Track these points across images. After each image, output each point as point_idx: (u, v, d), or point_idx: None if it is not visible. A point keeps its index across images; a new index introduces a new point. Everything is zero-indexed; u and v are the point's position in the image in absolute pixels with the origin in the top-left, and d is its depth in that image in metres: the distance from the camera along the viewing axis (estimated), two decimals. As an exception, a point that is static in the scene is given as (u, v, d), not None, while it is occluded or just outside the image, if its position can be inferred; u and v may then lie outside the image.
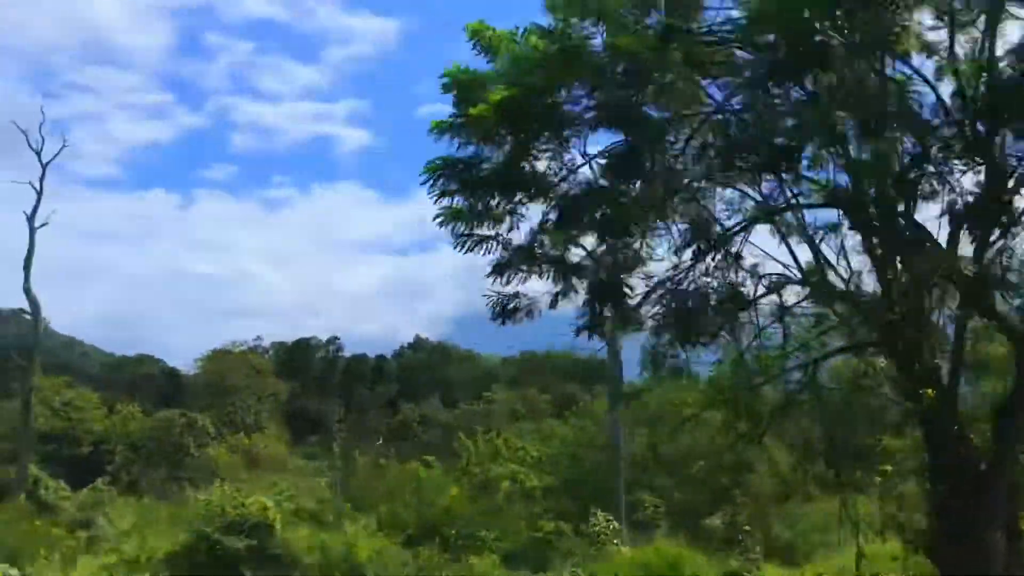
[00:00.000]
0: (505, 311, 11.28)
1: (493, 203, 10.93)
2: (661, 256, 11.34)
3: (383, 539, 14.75)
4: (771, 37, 10.02)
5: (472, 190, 10.86)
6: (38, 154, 29.76)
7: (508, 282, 11.18)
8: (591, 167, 10.92)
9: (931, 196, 10.78)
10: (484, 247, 11.13)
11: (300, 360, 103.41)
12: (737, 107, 10.71)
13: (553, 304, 11.30)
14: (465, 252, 11.04)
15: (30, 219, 29.13)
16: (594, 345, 12.12)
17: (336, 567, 13.10)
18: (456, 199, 10.86)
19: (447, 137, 10.53)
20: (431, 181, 10.74)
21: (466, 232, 11.01)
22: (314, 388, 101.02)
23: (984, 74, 10.12)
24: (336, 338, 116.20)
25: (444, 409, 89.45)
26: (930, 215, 10.86)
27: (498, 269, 11.13)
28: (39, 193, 29.46)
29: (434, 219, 10.87)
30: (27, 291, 28.07)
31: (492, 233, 11.13)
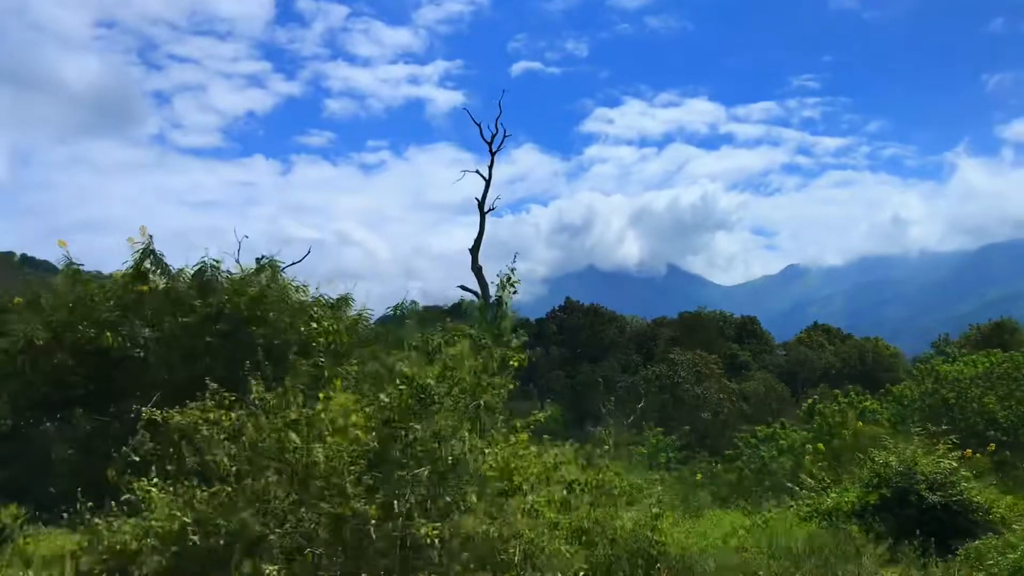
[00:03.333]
0: None
1: None
2: None
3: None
4: None
5: None
6: (489, 144, 31.38)
7: None
8: None
9: None
10: None
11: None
12: None
13: None
14: None
15: (480, 204, 30.80)
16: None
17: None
18: None
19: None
20: None
21: None
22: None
23: None
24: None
25: (622, 371, 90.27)
26: None
27: None
28: (487, 180, 31.10)
29: None
30: (477, 272, 29.76)
31: None
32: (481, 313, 19.18)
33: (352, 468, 6.68)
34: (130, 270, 13.27)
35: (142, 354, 12.67)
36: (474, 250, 29.84)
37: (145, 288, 12.67)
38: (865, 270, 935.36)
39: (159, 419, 7.44)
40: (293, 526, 6.44)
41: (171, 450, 7.17)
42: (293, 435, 6.77)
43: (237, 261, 31.23)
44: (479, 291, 28.65)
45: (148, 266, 13.02)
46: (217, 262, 12.93)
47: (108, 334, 11.97)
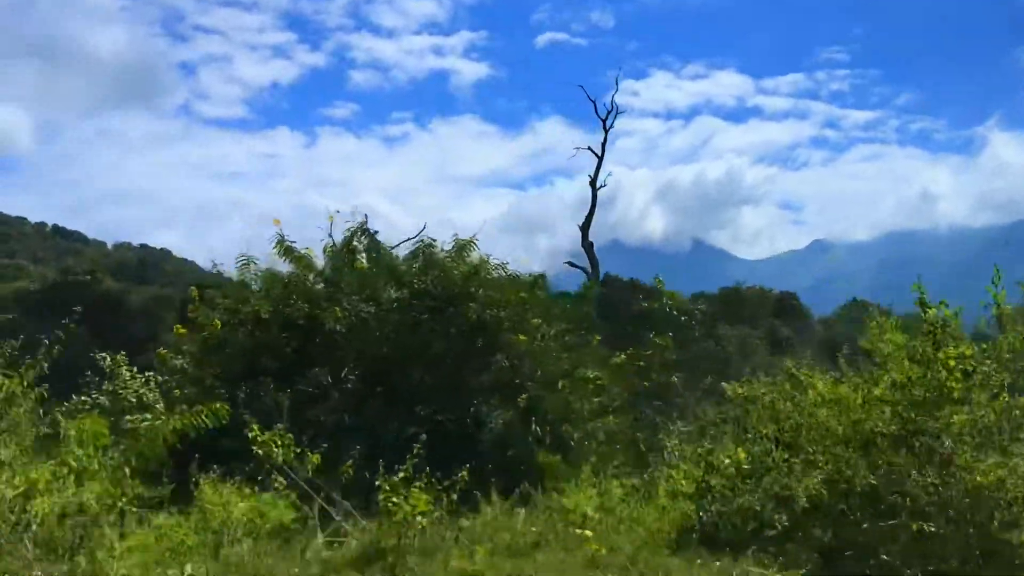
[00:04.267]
0: None
1: None
2: None
3: None
4: None
5: None
6: (603, 121, 31.72)
7: None
8: None
9: None
10: None
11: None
12: None
13: None
14: None
15: (592, 181, 31.20)
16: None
17: None
18: None
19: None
20: None
21: None
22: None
23: None
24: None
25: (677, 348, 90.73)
26: None
27: None
28: (600, 157, 31.44)
29: None
30: (588, 248, 30.15)
31: None
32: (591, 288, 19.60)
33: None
34: (330, 247, 13.94)
35: (342, 328, 13.30)
36: (585, 227, 30.30)
37: (363, 265, 13.34)
38: (893, 245, 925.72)
39: (733, 392, 8.13)
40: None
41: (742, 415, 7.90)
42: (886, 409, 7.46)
43: (330, 236, 31.23)
44: (588, 267, 29.16)
45: (356, 244, 13.68)
46: (433, 240, 13.61)
47: (335, 308, 12.64)
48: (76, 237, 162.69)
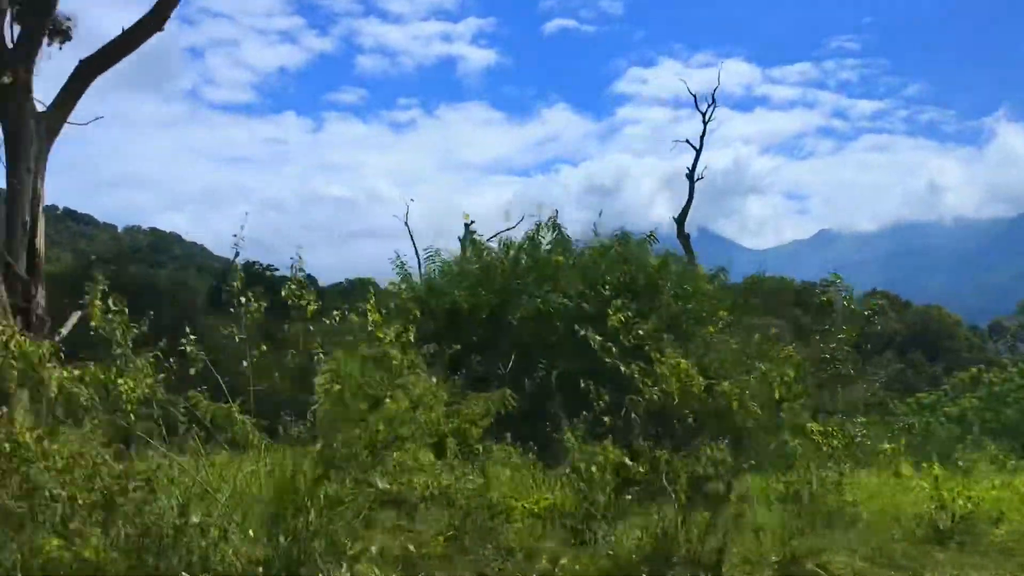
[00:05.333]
0: None
1: None
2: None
3: None
4: None
5: None
6: (702, 114, 32.16)
7: None
8: None
9: None
10: None
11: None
12: None
13: None
14: None
15: (690, 173, 31.55)
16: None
17: None
18: None
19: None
20: None
21: None
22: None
23: None
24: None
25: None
26: None
27: None
28: (698, 150, 31.61)
29: None
30: (684, 240, 30.62)
31: None
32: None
33: None
34: (506, 241, 14.41)
35: (513, 320, 13.73)
36: (680, 218, 30.80)
37: (560, 259, 13.77)
38: (899, 236, 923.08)
39: None
40: None
41: None
42: None
43: (406, 221, 31.61)
44: (686, 259, 29.62)
45: (540, 238, 14.12)
46: (627, 233, 14.04)
47: (539, 301, 13.09)
48: (87, 220, 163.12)
